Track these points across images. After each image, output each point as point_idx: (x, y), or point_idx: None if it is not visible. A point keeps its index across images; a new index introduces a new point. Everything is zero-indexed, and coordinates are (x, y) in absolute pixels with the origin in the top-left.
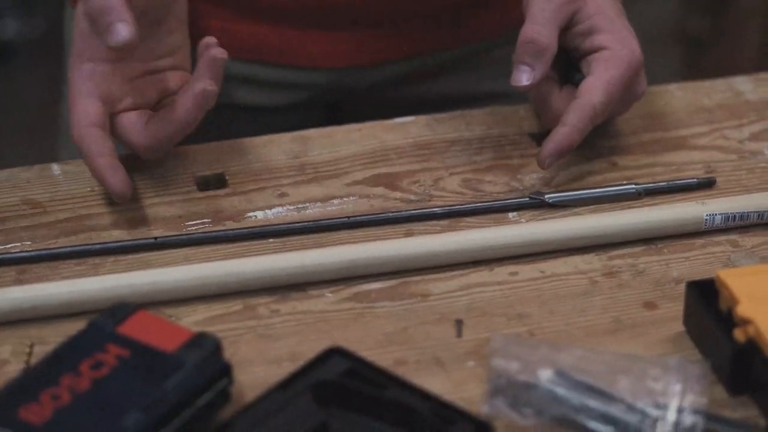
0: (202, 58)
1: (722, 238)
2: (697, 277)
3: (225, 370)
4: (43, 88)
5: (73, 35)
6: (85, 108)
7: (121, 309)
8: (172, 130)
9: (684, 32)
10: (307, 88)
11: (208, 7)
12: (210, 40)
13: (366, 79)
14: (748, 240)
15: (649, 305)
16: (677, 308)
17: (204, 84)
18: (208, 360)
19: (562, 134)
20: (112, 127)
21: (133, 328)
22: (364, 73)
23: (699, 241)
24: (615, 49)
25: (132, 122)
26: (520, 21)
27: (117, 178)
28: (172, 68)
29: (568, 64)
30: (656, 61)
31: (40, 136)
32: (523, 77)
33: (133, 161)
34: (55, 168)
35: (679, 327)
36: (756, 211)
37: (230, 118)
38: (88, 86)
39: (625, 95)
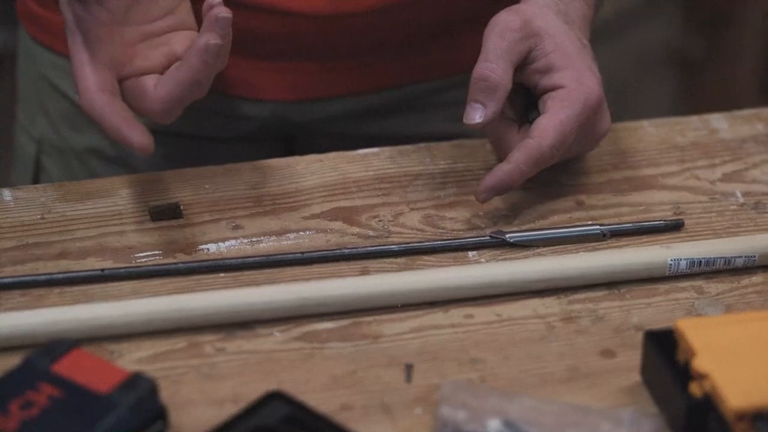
0: (206, 17)
1: (687, 284)
2: (659, 325)
3: (160, 413)
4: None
5: (62, 11)
6: (88, 75)
7: (57, 346)
8: (179, 91)
9: (680, 54)
10: (253, 120)
11: None
12: (213, 0)
13: (314, 113)
14: (714, 287)
15: (607, 353)
16: (636, 357)
17: (206, 38)
18: (143, 402)
19: (503, 171)
20: (121, 94)
21: (68, 366)
22: (311, 108)
23: (663, 287)
24: (571, 88)
25: (140, 87)
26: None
27: (136, 130)
28: (174, 29)
29: (529, 101)
30: (652, 83)
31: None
32: (476, 115)
33: (86, 188)
34: (6, 194)
35: (636, 377)
36: (722, 257)
37: (185, 149)
38: (88, 54)
39: (582, 135)
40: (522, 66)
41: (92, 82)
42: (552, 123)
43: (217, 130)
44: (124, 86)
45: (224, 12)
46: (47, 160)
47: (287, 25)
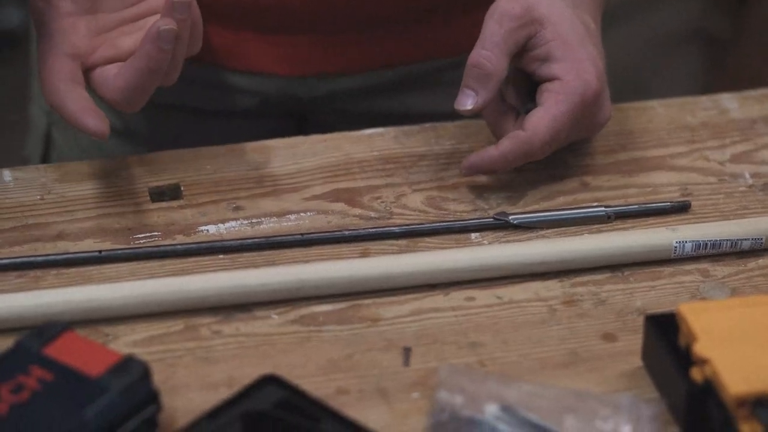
0: (165, 1)
1: (692, 266)
2: (663, 308)
3: (152, 397)
4: None
5: (29, 3)
6: (49, 66)
7: (49, 329)
8: (135, 79)
9: (704, 32)
10: (256, 94)
11: None
12: None
13: (318, 89)
14: (720, 269)
15: (609, 337)
16: (638, 341)
17: (160, 23)
18: (135, 386)
19: (489, 157)
20: (87, 82)
21: (60, 349)
22: (315, 83)
23: (667, 270)
24: (567, 80)
25: (104, 76)
26: None
27: (91, 117)
28: (153, 12)
29: (530, 88)
30: (675, 62)
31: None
32: (468, 101)
33: (87, 168)
34: (6, 174)
35: (637, 361)
36: (729, 240)
37: (191, 123)
38: (51, 45)
39: (578, 127)
40: (521, 52)
41: (53, 73)
42: (545, 118)
43: (221, 104)
44: (91, 75)
45: None
46: (57, 133)
47: None
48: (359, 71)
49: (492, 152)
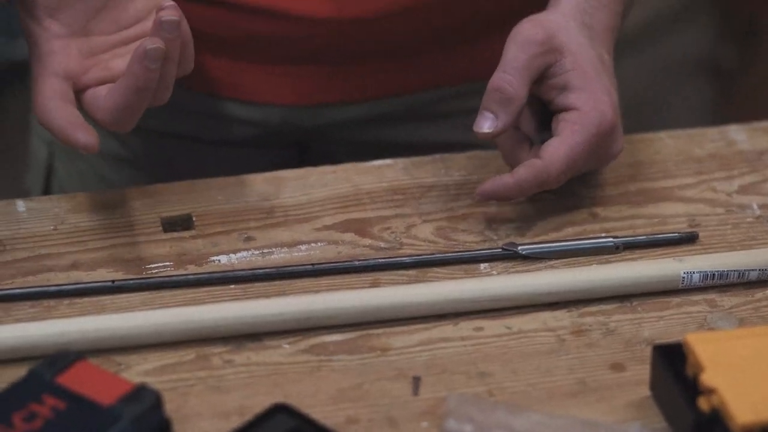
0: (153, 21)
1: (700, 297)
2: (671, 338)
3: (164, 426)
4: None
5: (22, 26)
6: (40, 87)
7: (62, 358)
8: (124, 99)
9: (712, 63)
10: (262, 125)
11: None
12: (165, 2)
13: (323, 118)
14: (727, 300)
15: (617, 367)
16: (646, 371)
17: (146, 43)
18: (147, 414)
19: (504, 184)
20: (79, 104)
21: (72, 378)
22: (321, 113)
23: (675, 300)
24: (584, 111)
25: (95, 96)
26: (491, 70)
27: (81, 131)
28: (147, 35)
29: (543, 118)
30: (683, 93)
31: None
32: (486, 124)
33: (99, 199)
34: (20, 204)
35: (646, 391)
36: (736, 270)
37: (195, 152)
38: (42, 65)
39: (592, 158)
40: (539, 80)
41: (43, 91)
42: (562, 148)
43: (226, 134)
44: (83, 97)
45: (169, 15)
46: (58, 163)
47: (291, 29)
48: (361, 101)
49: (507, 180)
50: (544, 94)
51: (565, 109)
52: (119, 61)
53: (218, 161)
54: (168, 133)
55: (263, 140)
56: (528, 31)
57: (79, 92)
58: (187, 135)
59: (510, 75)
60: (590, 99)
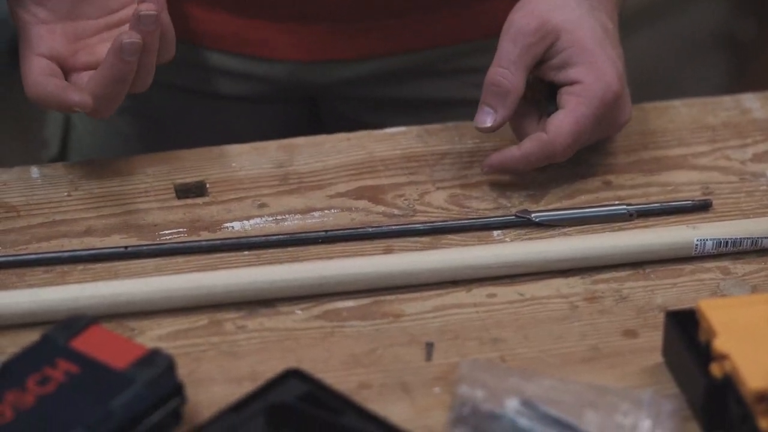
0: (132, 14)
1: (713, 264)
2: (684, 305)
3: (177, 390)
4: None
5: (9, 10)
6: (29, 64)
7: (75, 322)
8: (102, 89)
9: (730, 36)
10: (270, 81)
11: None
12: None
13: (331, 75)
14: (740, 267)
15: (630, 333)
16: (658, 338)
17: (123, 36)
18: (160, 378)
19: (512, 157)
20: None
21: (86, 342)
22: (328, 69)
23: (688, 267)
24: (588, 83)
25: (78, 82)
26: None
27: (73, 92)
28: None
29: (552, 87)
30: (701, 66)
31: None
32: (486, 119)
33: (113, 165)
34: (34, 171)
35: (658, 357)
36: (749, 238)
37: (207, 107)
38: (31, 48)
39: (599, 128)
40: (538, 63)
41: (31, 69)
42: (567, 121)
43: (236, 90)
44: (68, 80)
45: (147, 10)
46: (77, 117)
47: None
48: (371, 57)
49: (514, 153)
50: (544, 76)
51: (569, 83)
52: (105, 46)
53: (230, 116)
54: (180, 86)
55: (273, 96)
56: (519, 22)
57: (66, 75)
58: (199, 89)
59: (504, 68)
60: (592, 71)
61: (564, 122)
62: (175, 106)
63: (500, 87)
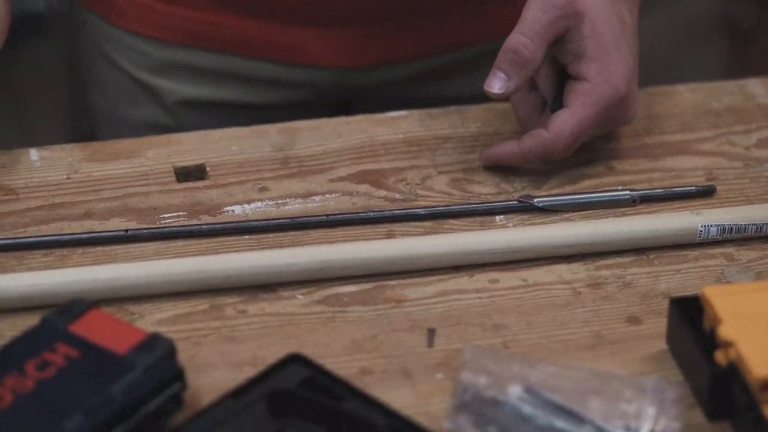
0: None
1: (717, 250)
2: (688, 292)
3: (177, 375)
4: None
5: None
6: None
7: (75, 306)
8: None
9: (730, 21)
10: (311, 87)
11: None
12: None
13: (372, 78)
14: (745, 254)
15: (633, 320)
16: (662, 324)
17: None
18: (160, 363)
19: (510, 152)
20: None
21: (85, 326)
22: (369, 73)
23: (692, 253)
24: (595, 83)
25: None
26: None
27: None
28: None
29: (560, 78)
30: (700, 51)
31: (75, 114)
32: (497, 84)
33: (113, 148)
34: (33, 153)
35: (662, 344)
36: (754, 224)
37: (244, 119)
38: None
39: (603, 127)
40: (556, 42)
41: None
42: (569, 122)
43: (274, 98)
44: None
45: None
46: (101, 133)
47: None
48: (408, 59)
49: (513, 148)
50: (560, 57)
51: (577, 77)
52: None
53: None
54: (215, 102)
55: (310, 102)
56: None
57: None
58: (235, 102)
59: (527, 38)
60: (602, 71)
61: (567, 122)
62: (209, 121)
63: (519, 55)
